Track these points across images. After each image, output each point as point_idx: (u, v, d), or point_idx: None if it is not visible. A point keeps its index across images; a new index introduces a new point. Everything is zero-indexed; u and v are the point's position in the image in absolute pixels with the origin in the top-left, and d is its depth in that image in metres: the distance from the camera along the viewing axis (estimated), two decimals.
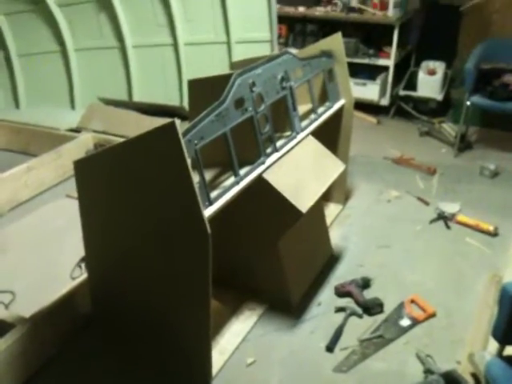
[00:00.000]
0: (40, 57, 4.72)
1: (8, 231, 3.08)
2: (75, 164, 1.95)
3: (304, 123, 2.58)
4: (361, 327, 2.34)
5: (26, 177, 3.45)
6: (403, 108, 4.76)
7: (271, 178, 2.18)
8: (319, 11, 4.71)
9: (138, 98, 4.63)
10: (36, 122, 4.21)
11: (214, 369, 2.09)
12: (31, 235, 3.03)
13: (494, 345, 1.74)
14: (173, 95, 4.58)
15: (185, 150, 1.63)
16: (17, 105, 4.87)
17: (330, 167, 2.53)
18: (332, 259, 2.79)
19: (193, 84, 2.40)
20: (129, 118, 4.18)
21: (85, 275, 2.28)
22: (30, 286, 2.55)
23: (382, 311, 2.42)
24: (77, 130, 4.12)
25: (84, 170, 1.96)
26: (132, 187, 1.85)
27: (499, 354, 1.66)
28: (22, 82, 4.82)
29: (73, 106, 4.77)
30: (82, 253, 2.20)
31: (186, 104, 4.36)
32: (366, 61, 4.62)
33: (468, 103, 3.86)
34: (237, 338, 2.27)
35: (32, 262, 2.76)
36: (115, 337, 2.26)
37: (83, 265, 2.59)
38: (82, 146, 3.87)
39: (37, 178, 3.52)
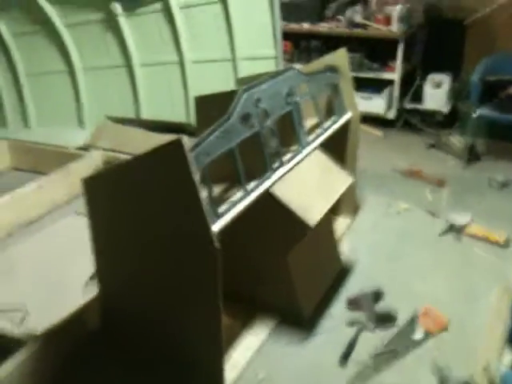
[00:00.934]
0: (48, 76, 4.78)
1: (18, 249, 3.10)
2: (83, 181, 1.97)
3: (311, 137, 2.59)
4: (373, 341, 2.32)
5: (36, 195, 3.47)
6: (410, 121, 4.76)
7: (279, 192, 2.19)
8: (323, 27, 4.75)
9: (145, 115, 4.66)
10: (45, 140, 4.25)
11: (227, 383, 2.08)
12: (41, 253, 3.04)
13: (508, 357, 1.72)
14: (180, 112, 4.61)
15: (192, 167, 1.64)
16: (26, 124, 4.92)
17: (338, 181, 2.53)
18: (343, 272, 2.78)
19: (199, 100, 2.43)
20: (137, 136, 4.21)
21: (95, 292, 2.28)
22: (41, 303, 2.55)
23: (394, 324, 2.40)
24: (86, 149, 4.15)
25: (92, 187, 1.98)
26: (140, 204, 1.86)
27: None
28: (30, 101, 4.87)
29: (81, 125, 4.81)
30: (92, 269, 2.20)
31: (193, 120, 4.38)
32: (371, 75, 4.64)
33: (474, 115, 3.86)
34: (248, 351, 2.26)
35: (43, 280, 2.77)
36: (124, 353, 2.25)
37: (94, 281, 2.58)
38: (91, 163, 3.90)
39: (46, 196, 3.54)
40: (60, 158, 3.96)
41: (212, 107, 2.14)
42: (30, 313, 2.50)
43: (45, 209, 3.53)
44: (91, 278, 2.65)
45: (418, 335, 2.34)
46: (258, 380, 2.14)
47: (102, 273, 2.15)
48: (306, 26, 4.81)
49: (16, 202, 3.33)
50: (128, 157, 2.03)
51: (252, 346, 2.29)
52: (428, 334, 2.34)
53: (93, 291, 2.39)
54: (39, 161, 4.11)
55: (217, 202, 1.93)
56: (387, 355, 2.24)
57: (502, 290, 2.56)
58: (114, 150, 4.04)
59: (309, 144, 2.53)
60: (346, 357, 2.22)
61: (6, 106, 4.98)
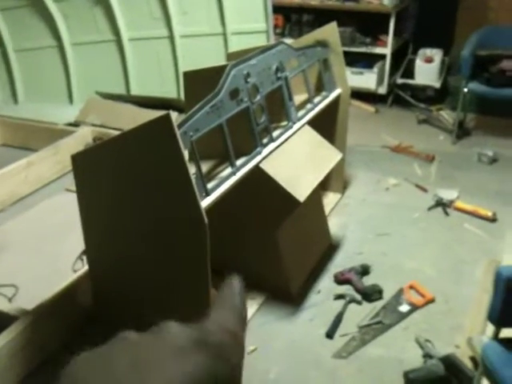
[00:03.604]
0: (37, 52, 4.71)
1: (9, 226, 3.10)
2: (73, 158, 1.96)
3: (300, 113, 2.59)
4: (360, 314, 2.36)
5: (26, 172, 3.46)
6: (401, 96, 4.75)
7: (268, 167, 2.20)
8: (315, 1, 4.70)
9: (135, 91, 4.63)
10: (34, 117, 4.21)
11: None
12: (32, 230, 3.05)
13: (491, 328, 1.76)
14: (170, 88, 4.58)
15: (180, 142, 1.65)
16: (15, 100, 4.87)
17: (327, 156, 2.54)
18: (331, 248, 2.81)
19: (188, 76, 2.41)
20: (127, 112, 4.18)
21: (86, 268, 2.30)
22: (32, 279, 2.57)
23: (381, 298, 2.44)
24: (75, 125, 4.12)
25: (82, 163, 1.98)
26: (129, 180, 1.86)
27: (495, 336, 1.68)
28: (19, 77, 4.82)
29: (71, 101, 4.77)
30: (82, 246, 2.22)
31: (182, 96, 4.36)
32: (362, 49, 4.62)
33: (465, 90, 3.86)
34: None
35: (33, 257, 2.78)
36: (115, 330, 2.27)
37: (84, 257, 2.60)
38: (80, 140, 3.88)
39: (36, 172, 3.53)
40: (49, 134, 3.93)
41: (201, 82, 2.13)
42: (21, 289, 2.51)
43: (35, 185, 3.53)
44: (82, 254, 2.67)
45: (404, 308, 2.38)
46: (246, 354, 2.17)
47: (92, 249, 2.16)
48: None
49: (6, 179, 3.32)
50: (118, 133, 2.03)
51: None
52: (414, 307, 2.38)
53: (84, 267, 2.41)
54: (28, 137, 4.08)
55: (206, 178, 1.94)
56: (373, 327, 2.28)
57: (489, 263, 2.61)
58: (103, 126, 4.02)
59: (298, 119, 2.53)
60: (333, 330, 2.26)
61: None
